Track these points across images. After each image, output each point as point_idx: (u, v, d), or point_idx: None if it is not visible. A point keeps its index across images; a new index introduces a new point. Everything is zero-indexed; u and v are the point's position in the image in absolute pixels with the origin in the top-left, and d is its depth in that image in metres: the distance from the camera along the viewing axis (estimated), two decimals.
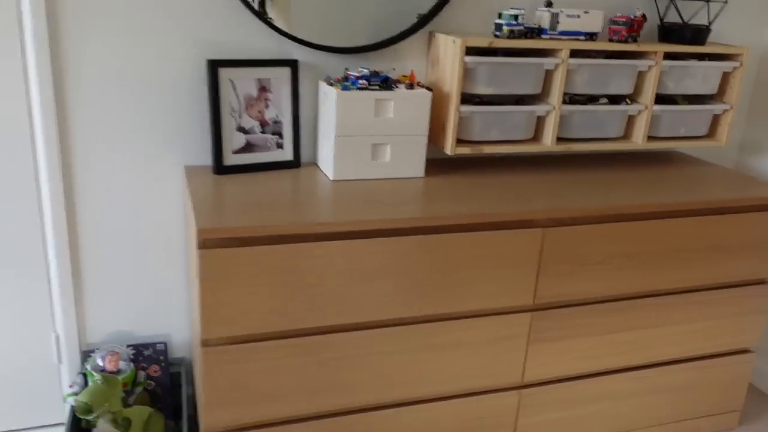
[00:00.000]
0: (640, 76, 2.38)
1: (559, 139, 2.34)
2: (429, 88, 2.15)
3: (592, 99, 2.37)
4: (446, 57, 2.16)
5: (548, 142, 2.29)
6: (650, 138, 2.45)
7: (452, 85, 2.13)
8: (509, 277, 1.98)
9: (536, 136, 2.34)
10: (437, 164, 2.35)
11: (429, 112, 2.13)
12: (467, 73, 2.16)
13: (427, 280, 1.90)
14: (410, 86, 2.14)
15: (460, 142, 2.24)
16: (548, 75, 2.27)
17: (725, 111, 2.49)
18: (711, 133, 2.56)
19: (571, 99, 2.37)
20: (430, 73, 2.31)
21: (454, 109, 2.14)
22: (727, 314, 2.35)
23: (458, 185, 2.15)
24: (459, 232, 1.90)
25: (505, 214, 1.92)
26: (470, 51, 2.15)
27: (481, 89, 2.17)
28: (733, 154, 2.97)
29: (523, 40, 2.16)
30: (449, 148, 2.18)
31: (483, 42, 2.09)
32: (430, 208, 1.91)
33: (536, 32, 2.24)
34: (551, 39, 2.24)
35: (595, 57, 2.37)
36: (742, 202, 2.19)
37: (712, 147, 2.49)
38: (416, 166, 2.18)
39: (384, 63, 2.30)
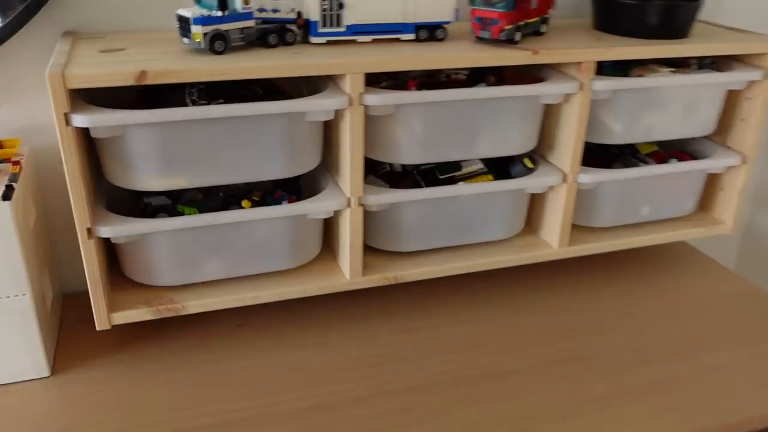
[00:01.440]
0: (551, 113, 1.12)
1: (374, 251, 1.09)
2: (7, 192, 0.89)
3: (448, 169, 1.12)
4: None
5: (347, 273, 1.04)
6: (578, 229, 1.20)
7: (69, 178, 0.87)
8: None
9: (324, 257, 1.10)
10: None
11: (18, 247, 0.88)
12: (106, 148, 0.90)
13: None
14: None
15: (138, 288, 0.99)
16: (330, 131, 1.01)
17: (730, 168, 1.23)
18: (704, 208, 1.32)
19: (404, 171, 1.12)
20: None
21: (82, 236, 0.89)
22: None
23: (114, 416, 0.91)
24: None
25: None
26: (108, 93, 0.88)
27: (155, 181, 0.91)
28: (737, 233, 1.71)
29: (249, 54, 0.90)
30: (98, 318, 0.94)
31: (121, 77, 0.83)
32: None
33: (293, 32, 0.97)
34: (329, 44, 0.97)
35: (447, 82, 1.10)
36: None
37: (704, 237, 1.29)
38: (23, 361, 0.94)
39: None
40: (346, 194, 0.99)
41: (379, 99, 0.93)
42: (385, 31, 0.99)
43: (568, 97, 1.06)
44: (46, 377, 0.96)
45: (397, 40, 1.01)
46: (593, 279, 1.25)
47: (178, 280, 0.98)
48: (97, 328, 0.95)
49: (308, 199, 1.00)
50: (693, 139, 1.27)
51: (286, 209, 0.97)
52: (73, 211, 0.87)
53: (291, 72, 0.88)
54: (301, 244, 1.03)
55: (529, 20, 1.05)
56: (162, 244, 0.95)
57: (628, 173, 1.15)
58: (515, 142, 1.07)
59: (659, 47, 1.06)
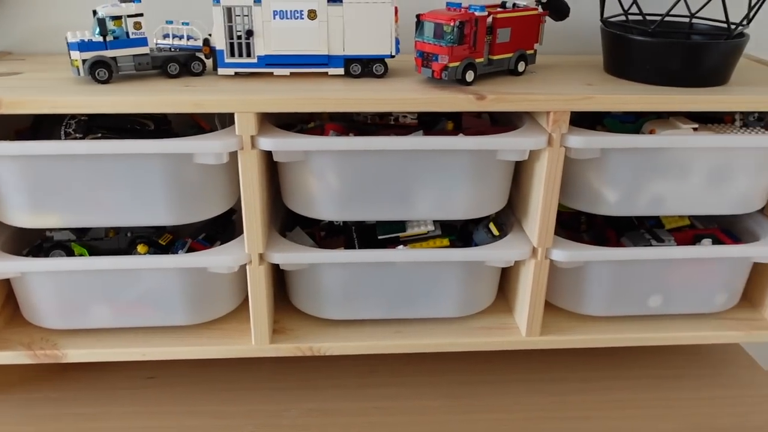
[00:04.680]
0: (525, 171, 0.91)
1: (297, 313, 0.94)
2: None
3: (391, 228, 0.94)
4: None
5: (252, 337, 0.91)
6: (564, 315, 0.97)
7: None
8: None
9: (241, 314, 0.96)
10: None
11: None
12: None
13: None
14: None
15: (28, 327, 0.92)
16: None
17: None
18: (752, 302, 1.02)
19: (345, 225, 0.96)
20: None
21: None
22: None
23: None
24: None
25: None
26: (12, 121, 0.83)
27: (23, 217, 0.83)
28: None
29: (136, 84, 0.79)
30: None
31: None
32: None
33: (200, 61, 0.85)
34: (238, 77, 0.84)
35: (395, 126, 0.93)
36: None
37: (745, 342, 1.02)
38: None
39: None
40: (253, 249, 0.85)
41: (273, 143, 0.79)
42: (305, 64, 0.85)
43: (537, 153, 0.85)
44: None
45: (325, 74, 0.86)
46: (581, 379, 1.00)
47: (62, 324, 0.90)
48: None
49: (202, 251, 0.87)
50: (748, 214, 0.98)
51: (170, 260, 0.85)
52: None
53: (160, 108, 0.77)
54: (202, 298, 0.91)
55: (495, 57, 0.85)
56: (42, 284, 0.87)
57: (622, 254, 0.90)
58: (465, 203, 0.87)
59: (662, 98, 0.81)
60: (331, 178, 0.84)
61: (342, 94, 0.79)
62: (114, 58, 0.81)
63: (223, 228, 0.97)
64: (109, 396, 0.95)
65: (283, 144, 0.79)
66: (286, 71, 0.85)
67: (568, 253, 0.88)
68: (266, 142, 0.79)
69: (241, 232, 0.90)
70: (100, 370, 0.99)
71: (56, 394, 0.95)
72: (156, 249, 0.91)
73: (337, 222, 0.96)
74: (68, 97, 0.76)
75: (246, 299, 0.96)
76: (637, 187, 0.87)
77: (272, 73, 0.85)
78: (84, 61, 0.79)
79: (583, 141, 0.82)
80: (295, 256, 0.86)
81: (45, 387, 0.97)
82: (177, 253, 0.89)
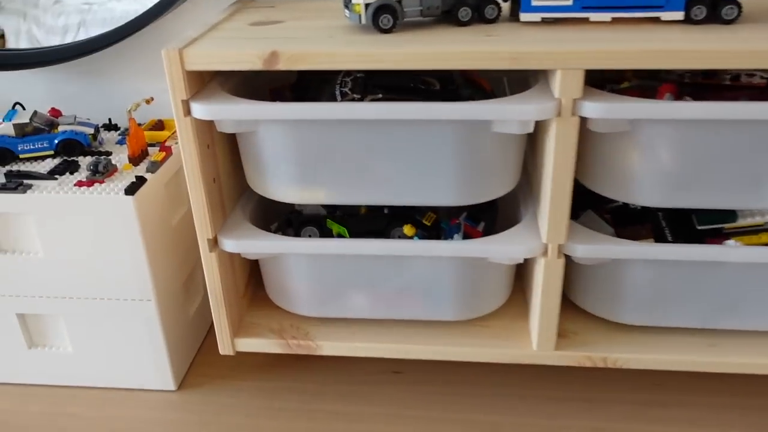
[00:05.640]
0: None
1: (582, 314, 0.78)
2: (133, 185, 0.76)
3: (713, 217, 0.74)
4: None
5: (534, 341, 0.76)
6: None
7: (188, 177, 0.72)
8: None
9: (512, 310, 0.81)
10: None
11: (143, 250, 0.76)
12: (241, 146, 0.73)
13: None
14: (139, 161, 0.79)
15: (276, 312, 0.83)
16: (534, 144, 0.72)
17: None
18: None
19: (644, 208, 0.78)
20: None
21: (203, 247, 0.74)
22: None
23: None
24: None
25: None
26: (260, 79, 0.71)
27: (289, 192, 0.72)
28: None
29: (426, 33, 0.64)
30: (221, 341, 0.80)
31: (247, 59, 0.64)
32: None
33: (495, 5, 0.69)
34: (545, 24, 0.67)
35: (733, 88, 0.73)
36: None
37: None
38: (147, 370, 0.84)
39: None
40: (542, 239, 0.70)
41: (604, 109, 0.62)
42: (635, 7, 0.66)
43: None
44: (170, 391, 0.86)
45: (656, 20, 0.67)
46: None
47: (315, 312, 0.80)
48: (221, 352, 0.81)
49: (489, 238, 0.73)
50: None
51: (452, 248, 0.71)
52: (194, 217, 0.72)
53: (466, 63, 0.62)
54: (475, 291, 0.77)
55: None
56: (297, 266, 0.76)
57: None
58: None
59: None
60: (662, 155, 0.66)
61: (695, 45, 0.60)
62: (399, 2, 0.66)
63: (488, 208, 0.82)
64: (356, 393, 0.84)
65: (616, 110, 0.62)
66: (608, 16, 0.67)
67: None
68: (593, 108, 0.62)
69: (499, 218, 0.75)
70: (340, 359, 0.89)
71: (298, 385, 0.86)
72: (422, 231, 0.78)
73: (633, 205, 0.79)
74: (362, 49, 0.62)
75: (513, 295, 0.82)
76: None
77: (588, 18, 0.68)
78: (367, 5, 0.65)
79: None
80: (600, 249, 0.70)
81: (284, 375, 0.87)
82: (452, 237, 0.75)
